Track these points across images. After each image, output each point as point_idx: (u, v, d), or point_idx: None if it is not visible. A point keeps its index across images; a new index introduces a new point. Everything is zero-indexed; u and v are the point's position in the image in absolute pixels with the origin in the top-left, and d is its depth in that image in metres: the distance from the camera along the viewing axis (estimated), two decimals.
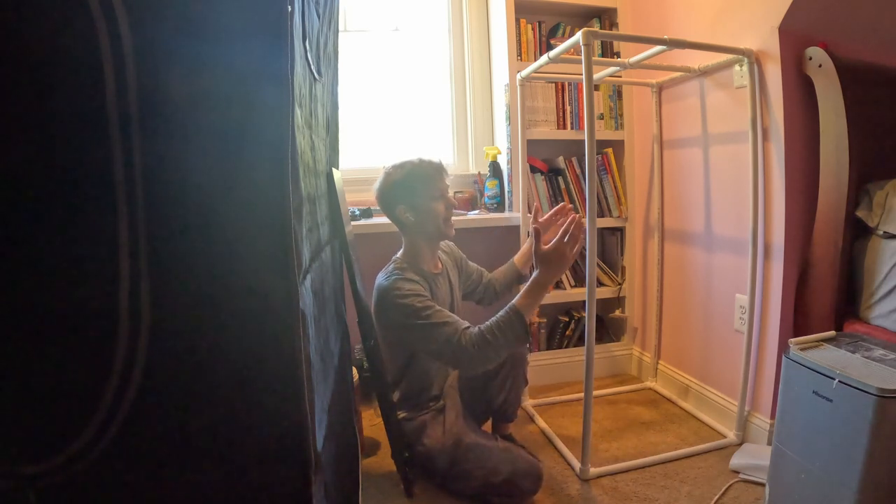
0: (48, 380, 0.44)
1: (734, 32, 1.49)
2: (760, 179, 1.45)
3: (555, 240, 1.12)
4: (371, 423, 1.66)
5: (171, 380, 0.47)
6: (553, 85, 1.95)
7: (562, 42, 1.45)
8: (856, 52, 1.37)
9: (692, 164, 1.74)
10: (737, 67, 1.49)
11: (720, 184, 1.63)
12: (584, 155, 1.32)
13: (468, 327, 1.15)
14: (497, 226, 1.90)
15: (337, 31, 1.04)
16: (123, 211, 0.44)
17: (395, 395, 1.36)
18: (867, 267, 1.28)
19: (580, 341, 2.04)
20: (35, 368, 0.43)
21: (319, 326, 0.71)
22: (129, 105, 0.43)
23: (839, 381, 0.95)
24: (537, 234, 1.14)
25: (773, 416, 1.42)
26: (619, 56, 2.00)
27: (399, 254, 1.35)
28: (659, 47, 1.46)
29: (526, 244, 1.43)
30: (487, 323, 1.14)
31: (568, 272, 1.98)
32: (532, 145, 1.87)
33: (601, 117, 2.00)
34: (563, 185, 1.96)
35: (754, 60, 1.42)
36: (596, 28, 1.99)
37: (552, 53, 1.48)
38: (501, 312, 1.14)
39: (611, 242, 2.14)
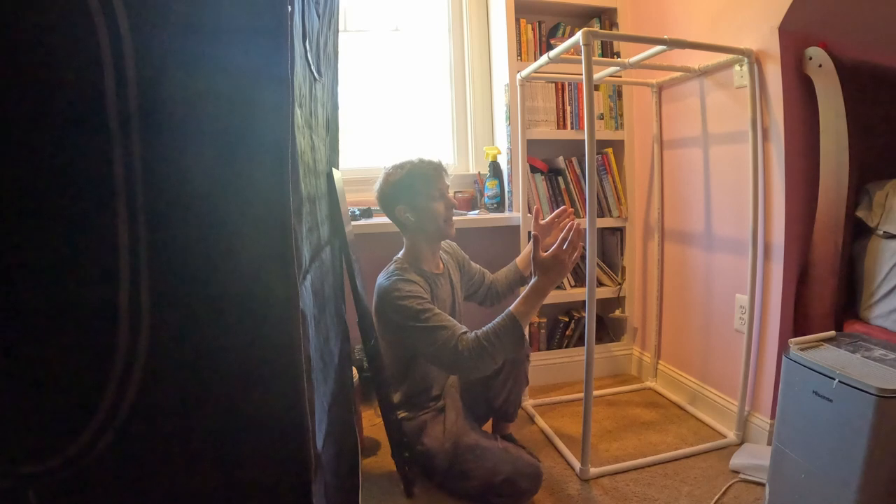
0: (48, 380, 0.44)
1: (734, 32, 1.49)
2: (760, 179, 1.45)
3: (553, 247, 1.12)
4: (371, 423, 1.66)
5: (171, 380, 0.47)
6: (553, 85, 1.95)
7: (562, 42, 1.45)
8: (856, 52, 1.37)
9: (692, 164, 1.74)
10: (737, 67, 1.49)
11: (720, 184, 1.63)
12: (584, 155, 1.32)
13: (465, 332, 1.15)
14: (497, 226, 1.90)
15: (337, 31, 1.04)
16: (123, 211, 0.44)
17: (397, 396, 1.36)
18: (867, 267, 1.28)
19: (580, 341, 2.04)
20: (35, 368, 0.43)
21: (319, 326, 0.71)
22: (129, 105, 0.43)
23: (839, 381, 0.95)
24: (536, 241, 1.14)
25: (773, 416, 1.42)
26: (619, 56, 2.00)
27: (400, 254, 1.35)
28: (659, 47, 1.46)
29: (528, 246, 1.44)
30: (484, 329, 1.14)
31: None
32: (532, 145, 1.87)
33: (601, 117, 2.00)
34: (563, 185, 1.96)
35: (754, 60, 1.42)
36: (596, 28, 1.99)
37: (552, 53, 1.48)
38: (498, 318, 1.14)
39: (611, 242, 2.14)
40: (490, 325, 1.14)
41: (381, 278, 1.28)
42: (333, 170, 1.04)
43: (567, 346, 2.05)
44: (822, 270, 1.36)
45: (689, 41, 1.40)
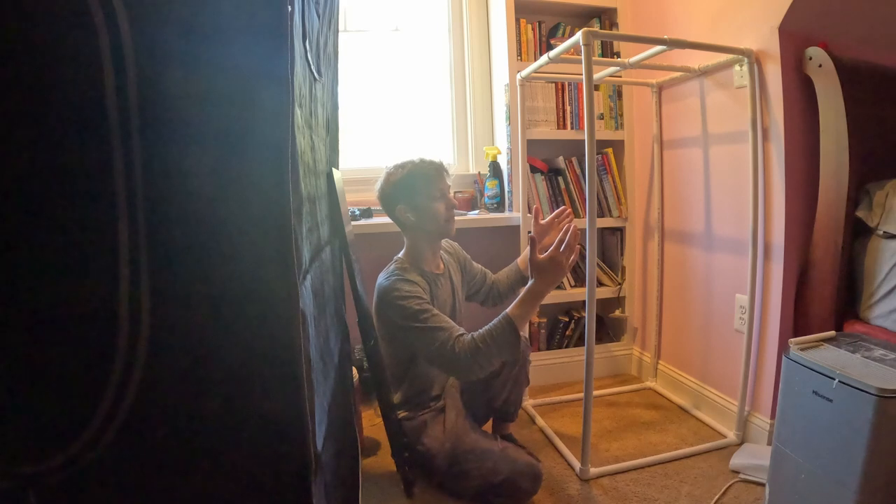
0: (48, 380, 0.44)
1: (734, 32, 1.49)
2: (760, 179, 1.45)
3: (550, 249, 1.11)
4: (371, 423, 1.66)
5: (170, 380, 0.47)
6: (553, 85, 1.95)
7: (562, 42, 1.45)
8: (856, 52, 1.37)
9: (692, 164, 1.74)
10: (737, 67, 1.49)
11: (720, 184, 1.63)
12: (584, 155, 1.32)
13: (462, 334, 1.14)
14: (497, 226, 1.90)
15: (337, 31, 1.04)
16: (123, 211, 0.44)
17: (397, 396, 1.36)
18: (867, 267, 1.28)
19: (580, 341, 2.04)
20: (35, 368, 0.43)
21: (319, 326, 0.71)
22: (129, 105, 0.43)
23: (839, 381, 0.95)
24: (533, 243, 1.13)
25: (773, 416, 1.42)
26: (619, 56, 2.00)
27: (401, 254, 1.35)
28: (659, 47, 1.46)
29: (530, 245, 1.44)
30: (481, 331, 1.13)
31: (568, 272, 1.98)
32: (532, 145, 1.87)
33: (601, 117, 2.00)
34: (563, 185, 1.96)
35: (754, 60, 1.42)
36: (596, 28, 1.99)
37: (552, 53, 1.48)
38: (495, 321, 1.14)
39: (611, 242, 2.14)
40: (486, 327, 1.13)
41: (382, 278, 1.28)
42: (333, 170, 1.04)
43: (567, 346, 2.05)
44: (822, 270, 1.36)
45: (689, 41, 1.40)
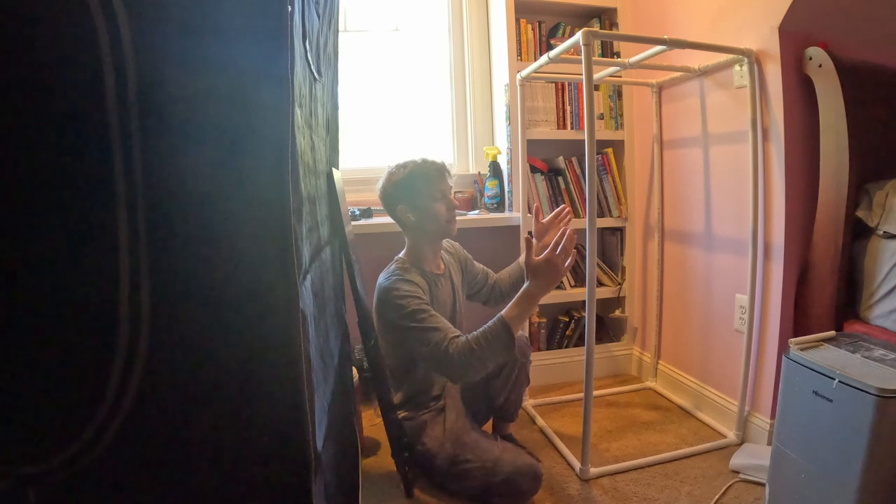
0: (48, 380, 0.44)
1: (734, 32, 1.49)
2: (760, 179, 1.45)
3: (546, 251, 1.11)
4: (371, 423, 1.66)
5: (171, 380, 0.47)
6: (553, 85, 1.95)
7: (562, 42, 1.45)
8: (856, 52, 1.37)
9: (692, 164, 1.74)
10: (737, 67, 1.49)
11: (720, 184, 1.63)
12: (584, 155, 1.32)
13: (457, 336, 1.14)
14: (497, 226, 1.90)
15: (337, 31, 1.04)
16: (123, 211, 0.44)
17: (397, 396, 1.36)
18: (867, 267, 1.28)
19: (580, 341, 2.04)
20: (35, 368, 0.43)
21: (319, 326, 0.71)
22: (129, 105, 0.43)
23: (839, 381, 0.95)
24: (529, 245, 1.12)
25: (773, 416, 1.42)
26: (619, 56, 2.00)
27: (402, 253, 1.35)
28: (659, 47, 1.46)
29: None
30: (475, 333, 1.13)
31: (568, 272, 1.98)
32: (532, 145, 1.87)
33: (601, 117, 2.00)
34: (563, 185, 1.96)
35: (754, 60, 1.42)
36: (596, 28, 1.99)
37: (552, 53, 1.48)
38: (489, 322, 1.13)
39: (611, 242, 2.14)
40: (480, 329, 1.13)
41: (382, 278, 1.28)
42: (333, 170, 1.04)
43: (567, 346, 2.05)
44: (822, 270, 1.36)
45: (689, 41, 1.40)
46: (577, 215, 1.93)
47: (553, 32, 1.99)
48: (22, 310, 0.43)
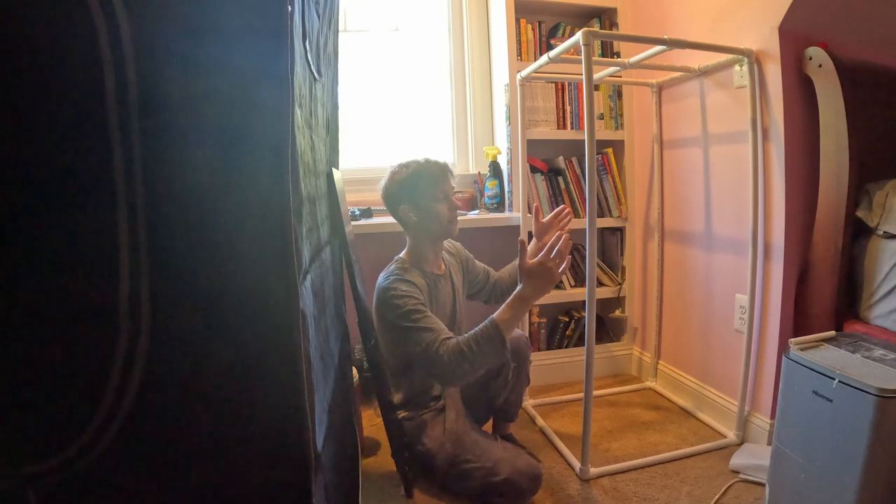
0: (48, 380, 0.44)
1: (734, 32, 1.49)
2: (760, 179, 1.45)
3: (541, 254, 1.09)
4: (371, 423, 1.66)
5: (171, 380, 0.47)
6: (553, 85, 1.95)
7: (562, 42, 1.45)
8: (856, 52, 1.37)
9: (692, 164, 1.74)
10: (737, 67, 1.49)
11: (720, 184, 1.63)
12: (584, 155, 1.32)
13: (449, 338, 1.14)
14: (497, 226, 1.90)
15: (337, 31, 1.04)
16: (123, 211, 0.44)
17: (397, 396, 1.36)
18: (867, 267, 1.28)
19: (580, 341, 2.04)
20: (35, 368, 0.43)
21: (319, 326, 0.71)
22: (129, 105, 0.43)
23: (839, 381, 0.95)
24: (522, 247, 1.11)
25: (773, 416, 1.42)
26: (619, 56, 2.00)
27: (402, 253, 1.35)
28: (659, 47, 1.46)
29: (530, 245, 1.43)
30: (466, 335, 1.13)
31: (568, 272, 1.98)
32: (532, 145, 1.87)
33: (601, 117, 2.00)
34: (563, 185, 1.96)
35: (754, 60, 1.42)
36: (596, 28, 1.99)
37: (552, 53, 1.48)
38: (481, 325, 1.12)
39: (611, 242, 2.14)
40: (472, 331, 1.13)
41: (381, 277, 1.28)
42: (333, 170, 1.04)
43: (567, 346, 2.05)
44: (822, 270, 1.36)
45: (689, 41, 1.40)
46: (577, 215, 1.93)
47: (553, 32, 1.99)
48: (22, 310, 0.43)
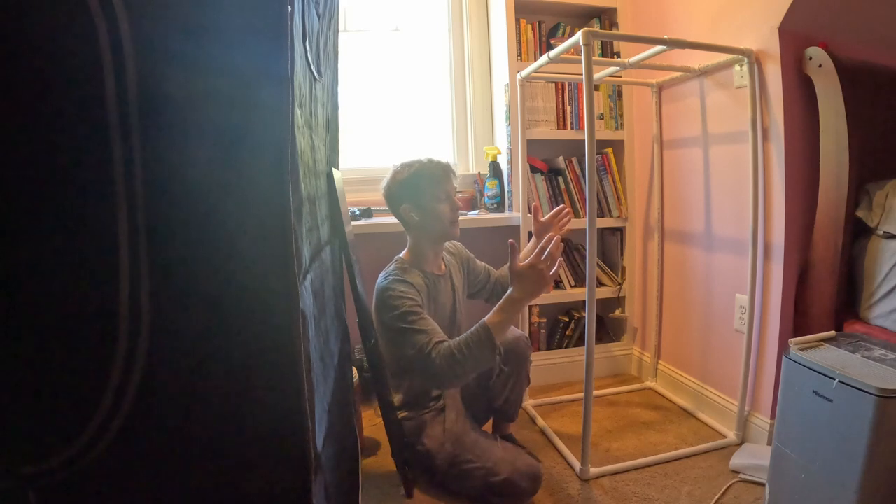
0: (48, 380, 0.44)
1: (734, 32, 1.49)
2: (760, 179, 1.45)
3: (531, 257, 1.08)
4: (371, 423, 1.66)
5: (171, 380, 0.47)
6: (553, 85, 1.95)
7: (562, 42, 1.45)
8: (856, 52, 1.37)
9: (692, 164, 1.74)
10: (737, 67, 1.49)
11: (720, 184, 1.63)
12: (584, 155, 1.32)
13: (441, 341, 1.13)
14: (497, 226, 1.90)
15: (337, 31, 1.04)
16: (123, 211, 0.44)
17: (397, 396, 1.36)
18: (867, 267, 1.28)
19: (580, 341, 2.04)
20: (35, 368, 0.43)
21: (319, 327, 0.71)
22: (129, 105, 0.43)
23: (839, 381, 0.95)
24: (513, 249, 1.10)
25: (773, 416, 1.42)
26: (619, 56, 2.00)
27: (402, 253, 1.35)
28: (659, 47, 1.46)
29: (530, 243, 1.44)
30: (458, 339, 1.12)
31: (568, 272, 1.98)
32: (532, 145, 1.87)
33: (601, 117, 2.00)
34: (563, 185, 1.96)
35: (754, 60, 1.42)
36: (596, 28, 1.99)
37: (552, 53, 1.48)
38: (472, 329, 1.12)
39: (611, 242, 2.14)
40: (463, 335, 1.12)
41: (381, 277, 1.28)
42: (333, 170, 1.04)
43: (567, 346, 2.05)
44: (822, 270, 1.36)
45: (689, 41, 1.40)
46: (577, 215, 1.93)
47: (553, 32, 1.99)
48: (22, 310, 0.43)
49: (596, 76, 1.77)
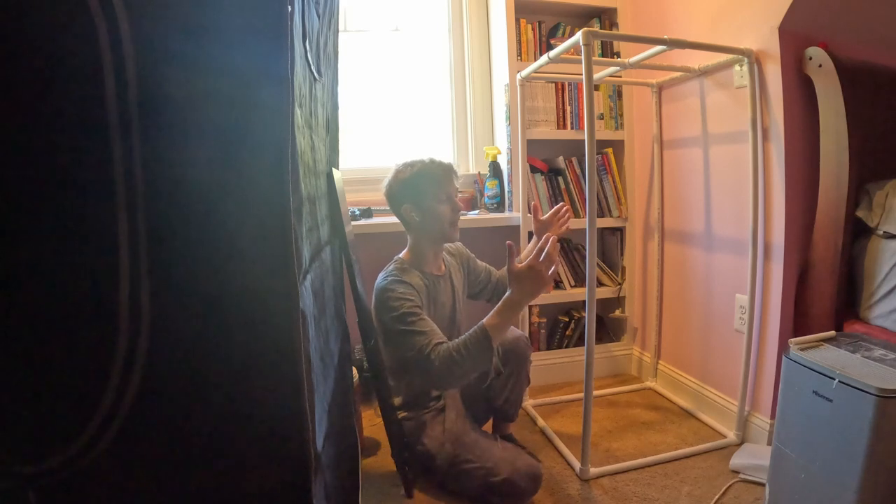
0: (48, 379, 0.44)
1: (734, 32, 1.49)
2: (760, 179, 1.45)
3: (530, 258, 1.08)
4: (371, 423, 1.66)
5: (171, 380, 0.47)
6: (553, 85, 1.95)
7: (562, 42, 1.45)
8: (856, 52, 1.37)
9: (692, 164, 1.74)
10: (737, 67, 1.49)
11: (720, 184, 1.63)
12: (584, 155, 1.32)
13: (440, 342, 1.14)
14: (497, 226, 1.90)
15: (337, 31, 1.04)
16: (123, 211, 0.44)
17: (397, 397, 1.36)
18: (867, 267, 1.28)
19: (580, 341, 2.04)
20: (35, 368, 0.43)
21: (319, 327, 0.71)
22: (129, 105, 0.43)
23: (839, 381, 0.95)
24: (511, 251, 1.10)
25: (773, 416, 1.42)
26: (619, 56, 2.00)
27: (402, 253, 1.35)
28: (659, 47, 1.46)
29: (530, 244, 1.44)
30: (456, 340, 1.12)
31: (568, 272, 1.98)
32: (532, 145, 1.87)
33: (601, 117, 2.00)
34: (563, 185, 1.96)
35: (754, 60, 1.42)
36: (596, 28, 1.99)
37: (552, 53, 1.48)
38: (471, 331, 1.12)
39: (611, 242, 2.14)
40: (462, 337, 1.13)
41: (380, 278, 1.28)
42: (333, 170, 1.04)
43: (567, 346, 2.05)
44: (822, 270, 1.36)
45: (689, 41, 1.40)
46: (577, 215, 1.92)
47: (553, 32, 1.99)
48: (22, 310, 0.43)
49: (596, 76, 1.77)
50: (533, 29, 1.93)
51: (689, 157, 1.76)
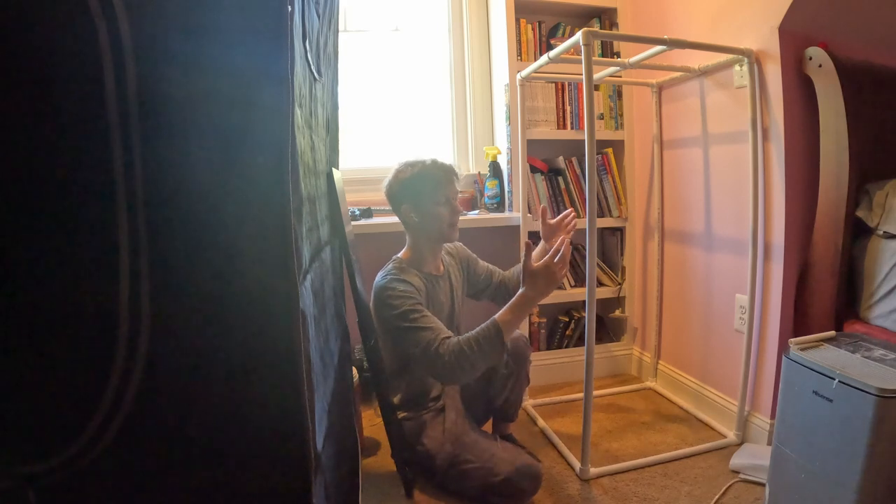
0: (48, 379, 0.44)
1: (734, 32, 1.49)
2: (760, 179, 1.45)
3: (546, 258, 1.11)
4: (371, 423, 1.66)
5: (171, 379, 0.47)
6: (553, 85, 1.95)
7: (562, 42, 1.45)
8: (856, 52, 1.37)
9: (692, 164, 1.74)
10: (737, 67, 1.49)
11: (720, 184, 1.63)
12: (584, 155, 1.32)
13: (448, 337, 1.14)
14: (497, 226, 1.90)
15: (337, 31, 1.04)
16: (123, 211, 0.44)
17: (397, 396, 1.36)
18: (867, 267, 1.28)
19: (580, 341, 2.04)
20: (35, 368, 0.43)
21: (319, 327, 0.71)
22: (128, 105, 0.43)
23: (839, 381, 0.95)
24: (528, 249, 1.13)
25: (773, 416, 1.42)
26: (619, 56, 2.00)
27: (401, 253, 1.36)
28: (659, 47, 1.46)
29: (540, 246, 1.44)
30: (467, 335, 1.13)
31: (568, 272, 1.98)
32: (532, 145, 1.87)
33: (601, 117, 2.00)
34: (563, 185, 1.96)
35: (754, 60, 1.42)
36: (596, 28, 1.99)
37: (552, 53, 1.48)
38: (482, 325, 1.13)
39: (611, 242, 2.14)
40: (473, 331, 1.13)
41: (379, 277, 1.29)
42: (333, 170, 1.04)
43: (567, 346, 2.05)
44: (821, 270, 1.36)
45: (689, 41, 1.40)
46: (577, 215, 1.92)
47: (553, 32, 1.99)
48: (22, 310, 0.43)
49: (596, 76, 1.77)
50: (533, 29, 1.93)
51: (689, 157, 1.76)
